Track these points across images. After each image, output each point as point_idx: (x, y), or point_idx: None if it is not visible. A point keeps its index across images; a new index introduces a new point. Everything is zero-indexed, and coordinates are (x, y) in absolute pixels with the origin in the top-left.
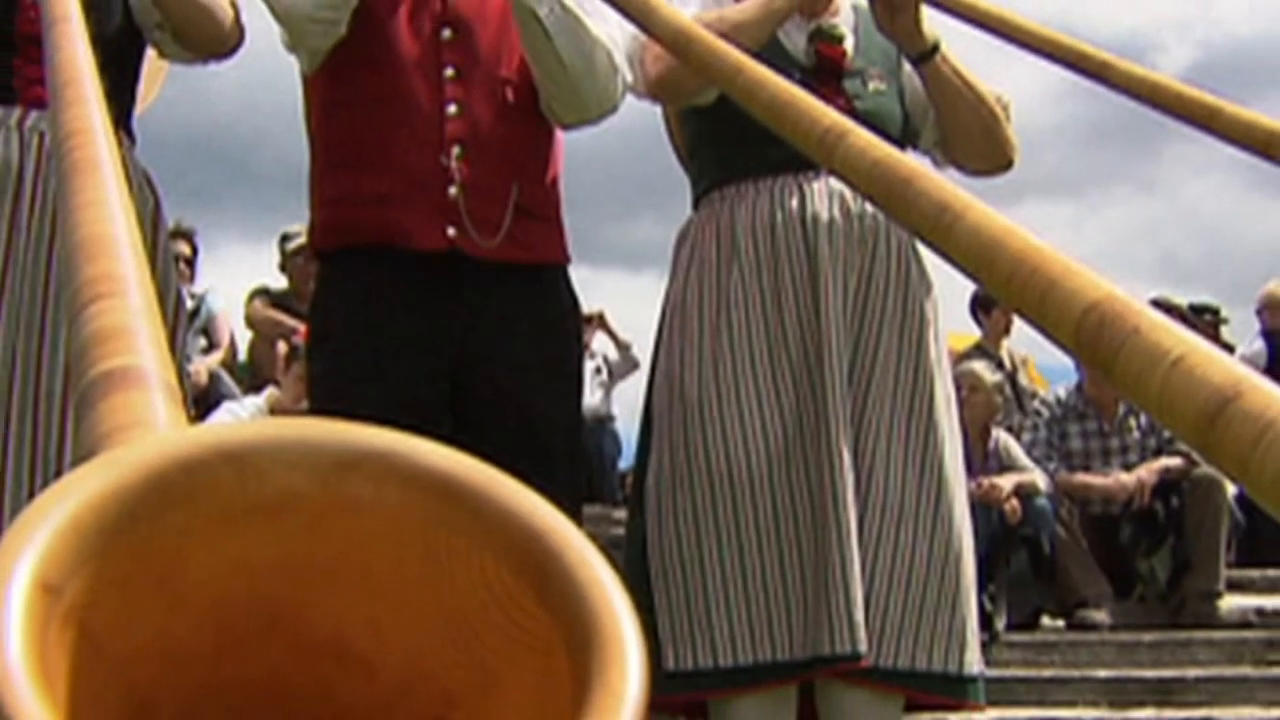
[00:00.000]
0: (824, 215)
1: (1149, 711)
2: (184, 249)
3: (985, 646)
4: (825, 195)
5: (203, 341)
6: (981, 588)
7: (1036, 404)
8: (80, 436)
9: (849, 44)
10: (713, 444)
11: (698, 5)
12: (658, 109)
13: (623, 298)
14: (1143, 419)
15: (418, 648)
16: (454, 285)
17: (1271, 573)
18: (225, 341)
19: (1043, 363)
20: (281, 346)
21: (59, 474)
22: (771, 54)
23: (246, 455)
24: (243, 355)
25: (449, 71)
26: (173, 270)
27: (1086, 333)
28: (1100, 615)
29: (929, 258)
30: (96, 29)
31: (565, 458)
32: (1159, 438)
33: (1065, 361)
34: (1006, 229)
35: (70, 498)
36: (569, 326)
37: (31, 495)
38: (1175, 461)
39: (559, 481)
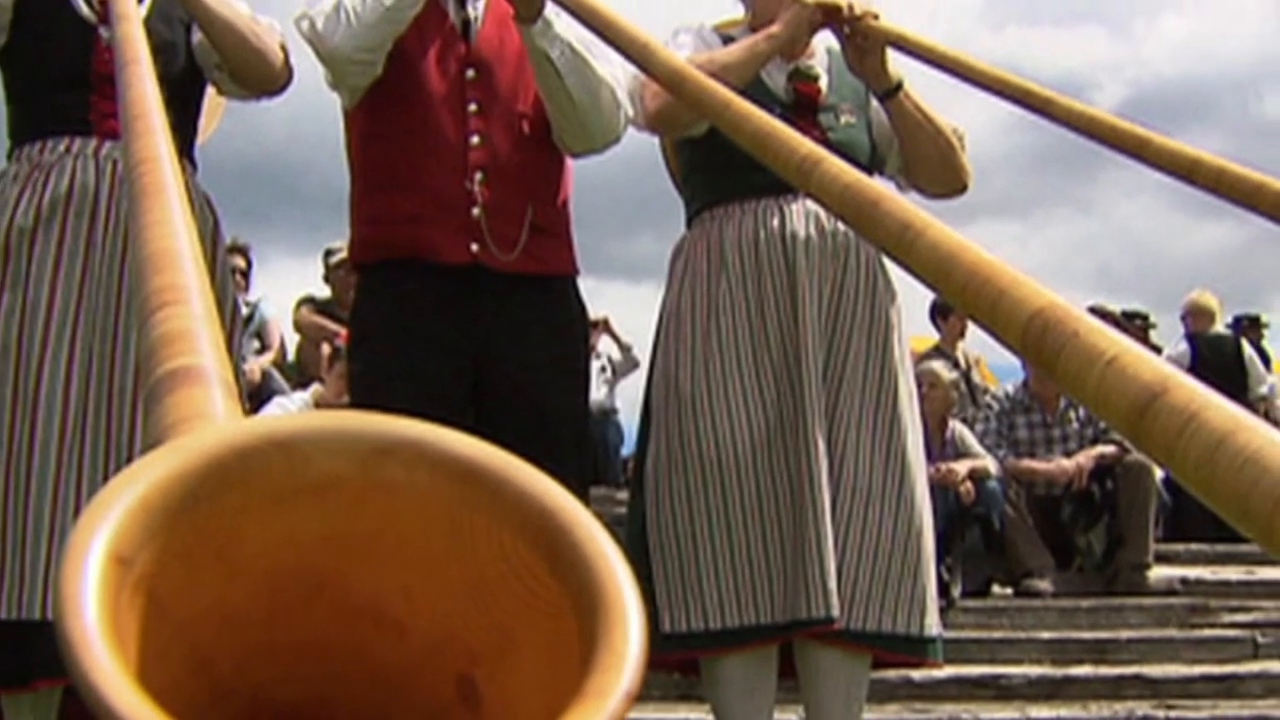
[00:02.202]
0: (801, 233)
1: (1087, 669)
2: (239, 262)
3: (943, 611)
4: (803, 215)
5: (256, 344)
6: (939, 560)
7: (988, 399)
8: (149, 427)
9: (823, 82)
10: (704, 434)
11: (690, 48)
12: (656, 140)
13: (625, 305)
14: (1081, 411)
15: (445, 612)
16: (476, 294)
17: (1194, 546)
18: (276, 344)
19: (993, 362)
20: (325, 348)
21: (130, 460)
22: (755, 91)
23: (295, 443)
24: (291, 356)
25: (472, 107)
26: (230, 281)
27: (1032, 336)
28: (1044, 584)
29: (894, 270)
30: (163, 70)
31: (574, 445)
32: (1095, 428)
33: (1013, 361)
34: (961, 245)
35: (140, 481)
36: (577, 330)
37: (106, 479)
38: (1109, 449)
39: (568, 467)
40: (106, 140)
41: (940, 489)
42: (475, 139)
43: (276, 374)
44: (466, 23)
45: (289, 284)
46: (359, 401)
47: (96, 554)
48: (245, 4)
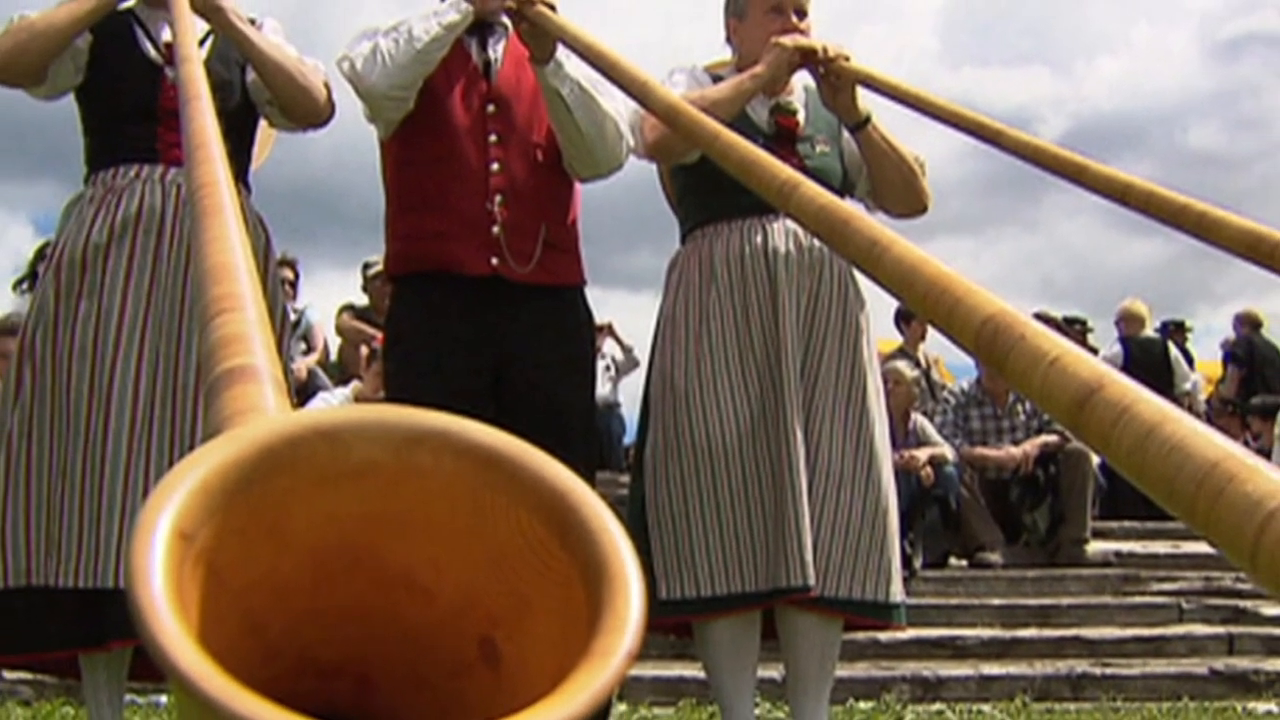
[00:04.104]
0: (782, 248)
1: (1032, 631)
2: (288, 274)
3: (906, 581)
4: (783, 233)
5: (303, 345)
6: (903, 535)
7: (945, 394)
8: (208, 418)
9: (801, 116)
10: (696, 425)
11: (684, 86)
12: (654, 166)
13: (626, 311)
14: (1028, 405)
15: (468, 581)
16: (496, 302)
17: (1127, 524)
18: (320, 345)
19: (950, 362)
20: (363, 349)
21: (192, 448)
22: (741, 124)
23: (337, 433)
24: (334, 356)
25: (493, 137)
26: (280, 290)
27: (984, 339)
28: (994, 557)
29: (863, 281)
30: (221, 105)
31: (582, 435)
32: (1040, 420)
33: (968, 361)
34: (922, 258)
35: (201, 465)
36: (585, 333)
37: (171, 464)
38: (1052, 438)
39: (577, 454)
40: (171, 167)
41: (903, 473)
42: (495, 166)
43: (320, 372)
44: (488, 64)
45: (331, 293)
46: (393, 396)
47: (163, 530)
48: (293, 47)
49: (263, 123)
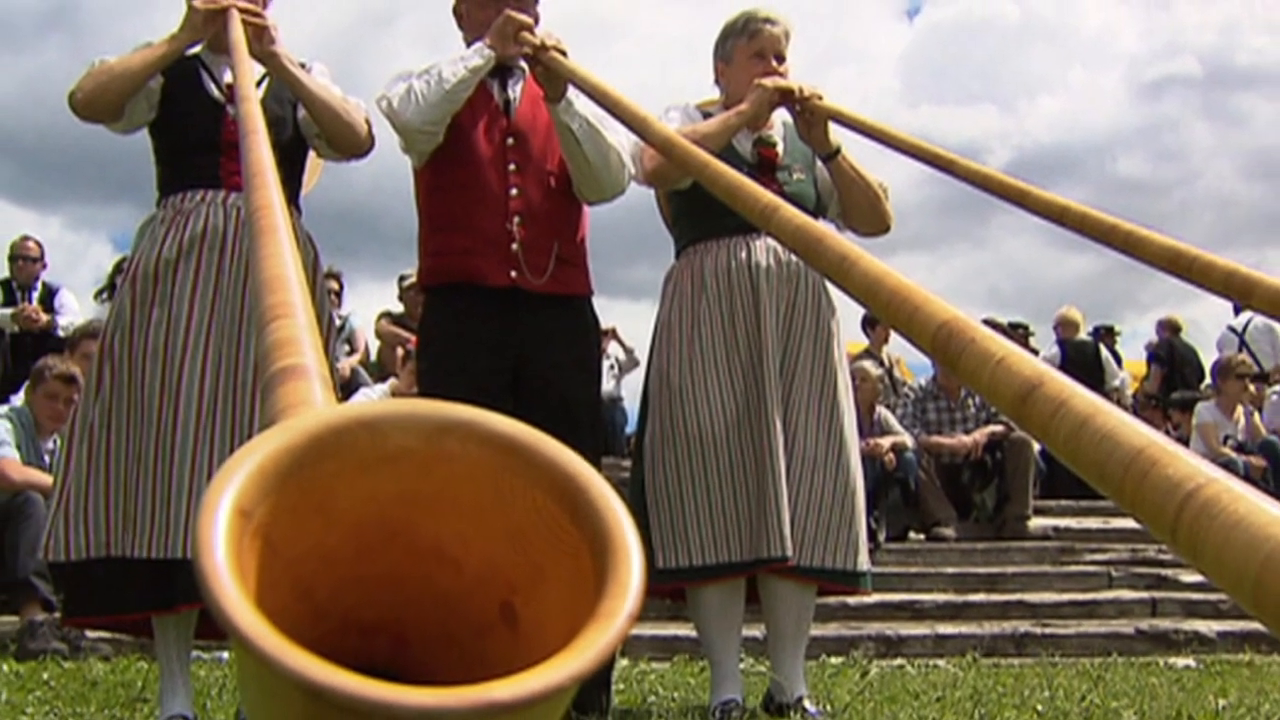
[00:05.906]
0: (763, 263)
1: (981, 596)
2: (334, 285)
3: (872, 552)
4: (764, 250)
5: (346, 347)
6: (869, 512)
7: (905, 389)
8: (264, 411)
9: (780, 147)
10: (689, 416)
11: (678, 121)
12: (652, 191)
13: (628, 317)
14: (977, 399)
15: (490, 553)
16: (514, 310)
17: (1064, 502)
18: (361, 348)
19: (910, 362)
20: (399, 351)
21: (250, 437)
22: (728, 154)
23: (376, 423)
24: (373, 357)
25: (512, 166)
26: (326, 299)
27: (939, 341)
28: (949, 531)
29: (834, 291)
30: (275, 137)
31: (589, 425)
32: (988, 412)
33: (925, 361)
34: (885, 271)
35: (258, 452)
36: (592, 337)
37: (231, 451)
38: (999, 428)
39: (585, 442)
40: (232, 192)
41: (869, 459)
42: (514, 191)
43: (362, 371)
44: (507, 102)
45: (371, 302)
46: (425, 392)
47: (225, 508)
48: (338, 87)
49: (311, 153)
